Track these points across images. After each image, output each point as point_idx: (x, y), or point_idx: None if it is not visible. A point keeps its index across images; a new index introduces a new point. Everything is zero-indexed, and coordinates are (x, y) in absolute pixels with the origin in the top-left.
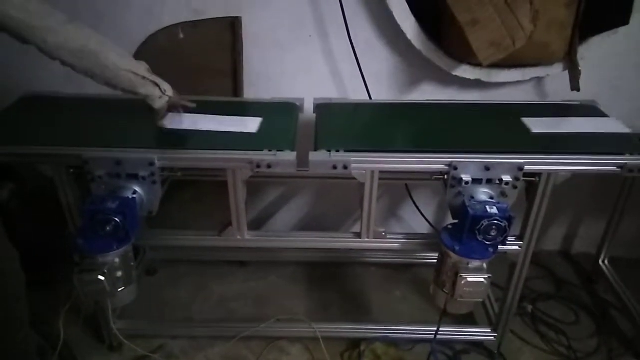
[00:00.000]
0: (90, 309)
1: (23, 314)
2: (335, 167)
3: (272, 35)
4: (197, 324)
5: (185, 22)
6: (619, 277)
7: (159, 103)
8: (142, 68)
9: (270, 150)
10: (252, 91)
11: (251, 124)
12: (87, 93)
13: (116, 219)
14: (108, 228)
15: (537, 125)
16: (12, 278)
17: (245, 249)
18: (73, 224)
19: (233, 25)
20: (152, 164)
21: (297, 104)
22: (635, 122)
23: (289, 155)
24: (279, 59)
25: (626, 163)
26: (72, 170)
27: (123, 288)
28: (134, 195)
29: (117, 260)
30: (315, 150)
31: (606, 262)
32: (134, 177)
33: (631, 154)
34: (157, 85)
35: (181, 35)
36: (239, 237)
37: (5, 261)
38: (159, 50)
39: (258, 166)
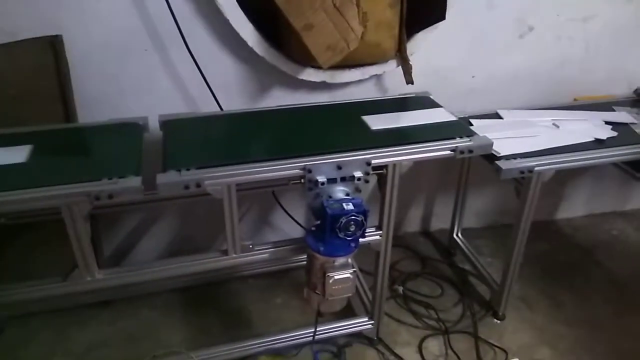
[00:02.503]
0: None
1: None
2: (187, 187)
3: (103, 52)
4: None
5: None
6: (471, 246)
7: None
8: None
9: (110, 178)
10: (88, 115)
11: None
12: None
13: None
14: None
15: (378, 122)
16: None
17: (105, 287)
18: None
19: (53, 45)
20: None
21: (140, 123)
22: (463, 107)
23: (133, 181)
24: (114, 77)
25: (457, 146)
26: None
27: None
28: None
29: None
30: (164, 171)
31: (459, 234)
32: None
33: (460, 137)
34: None
35: None
36: (88, 278)
37: None
38: None
39: (97, 198)
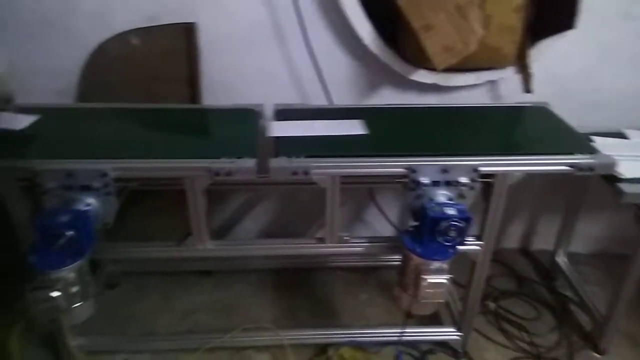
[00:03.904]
0: (47, 326)
1: None
2: (295, 173)
3: (230, 41)
4: (160, 338)
5: (139, 28)
6: (576, 272)
7: None
8: None
9: (229, 158)
10: (211, 98)
11: (357, 126)
12: (27, 103)
13: (69, 233)
14: (61, 242)
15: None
16: None
17: (210, 258)
18: (25, 239)
19: (188, 31)
20: (105, 174)
21: (257, 110)
22: (585, 122)
23: (248, 162)
24: (237, 65)
25: (576, 162)
26: (22, 183)
27: (80, 304)
28: (88, 208)
29: (72, 275)
30: (276, 157)
31: (563, 257)
32: (87, 189)
33: (581, 153)
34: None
35: (134, 42)
36: (200, 246)
37: None
38: (111, 58)
39: (217, 174)
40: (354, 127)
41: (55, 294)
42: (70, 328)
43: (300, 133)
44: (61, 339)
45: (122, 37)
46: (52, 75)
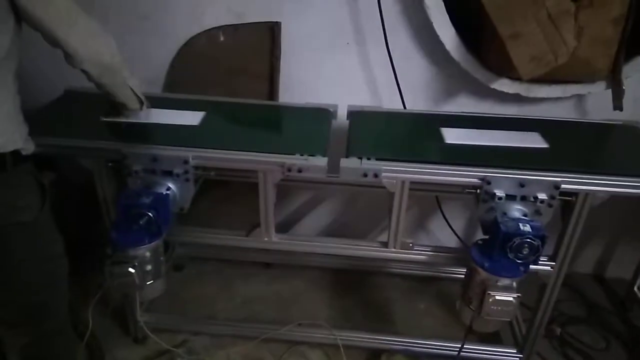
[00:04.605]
0: (119, 300)
1: (64, 300)
2: (365, 175)
3: (310, 41)
4: (219, 322)
5: (226, 25)
6: None
7: (131, 109)
8: (137, 83)
9: (301, 155)
10: (287, 95)
11: (537, 139)
12: None
13: (149, 214)
14: (141, 222)
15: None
16: (57, 262)
17: (271, 250)
18: (108, 216)
19: (272, 30)
20: (186, 161)
21: (331, 110)
22: None
23: (320, 161)
24: (315, 64)
25: None
26: (110, 164)
27: (151, 282)
28: (168, 192)
29: (147, 254)
30: (347, 157)
31: None
32: (169, 174)
33: None
34: (141, 101)
35: (221, 38)
36: (266, 238)
37: (52, 245)
38: (198, 52)
39: (289, 170)
40: (534, 140)
41: (131, 269)
42: (140, 304)
43: (474, 141)
44: (131, 314)
45: (210, 33)
46: (145, 66)
